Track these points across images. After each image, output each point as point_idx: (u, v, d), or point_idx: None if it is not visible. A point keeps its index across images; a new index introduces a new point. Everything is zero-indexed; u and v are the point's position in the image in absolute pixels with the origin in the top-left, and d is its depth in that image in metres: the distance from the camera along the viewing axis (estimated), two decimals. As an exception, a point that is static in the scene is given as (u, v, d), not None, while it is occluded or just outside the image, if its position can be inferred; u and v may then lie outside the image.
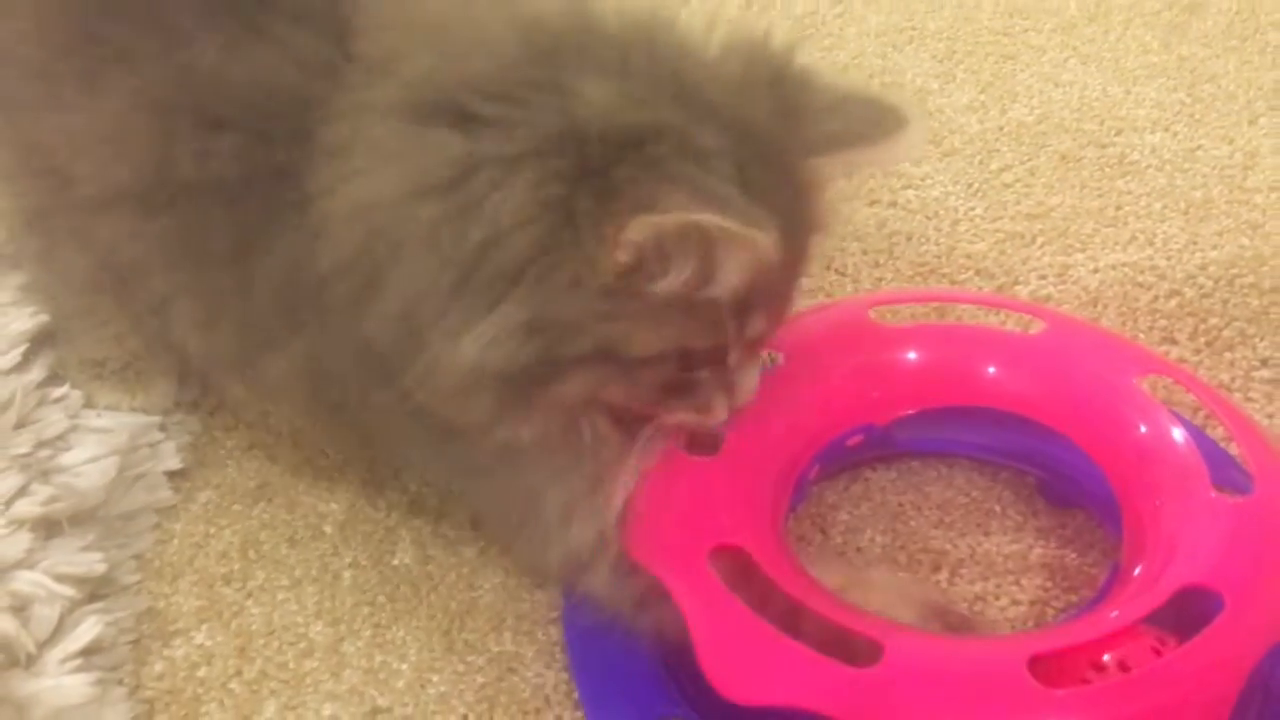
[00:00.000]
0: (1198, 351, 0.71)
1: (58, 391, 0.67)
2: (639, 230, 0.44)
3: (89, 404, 0.67)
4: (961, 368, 0.61)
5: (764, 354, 0.57)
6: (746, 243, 0.45)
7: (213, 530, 0.64)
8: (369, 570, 0.62)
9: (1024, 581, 0.60)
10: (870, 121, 0.52)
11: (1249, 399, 0.68)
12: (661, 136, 0.47)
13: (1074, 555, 0.61)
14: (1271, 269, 0.77)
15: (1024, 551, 0.62)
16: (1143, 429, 0.56)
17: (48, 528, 0.59)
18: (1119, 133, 0.91)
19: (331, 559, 0.62)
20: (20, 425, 0.64)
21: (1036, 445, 0.61)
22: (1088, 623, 0.50)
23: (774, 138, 0.50)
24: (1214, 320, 0.73)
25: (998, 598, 0.60)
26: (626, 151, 0.46)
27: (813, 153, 0.51)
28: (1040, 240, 0.81)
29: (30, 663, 0.54)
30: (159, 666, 0.57)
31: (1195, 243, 0.80)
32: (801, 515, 0.64)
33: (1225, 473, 0.52)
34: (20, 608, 0.55)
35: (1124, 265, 0.78)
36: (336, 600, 0.60)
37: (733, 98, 0.49)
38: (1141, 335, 0.73)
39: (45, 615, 0.56)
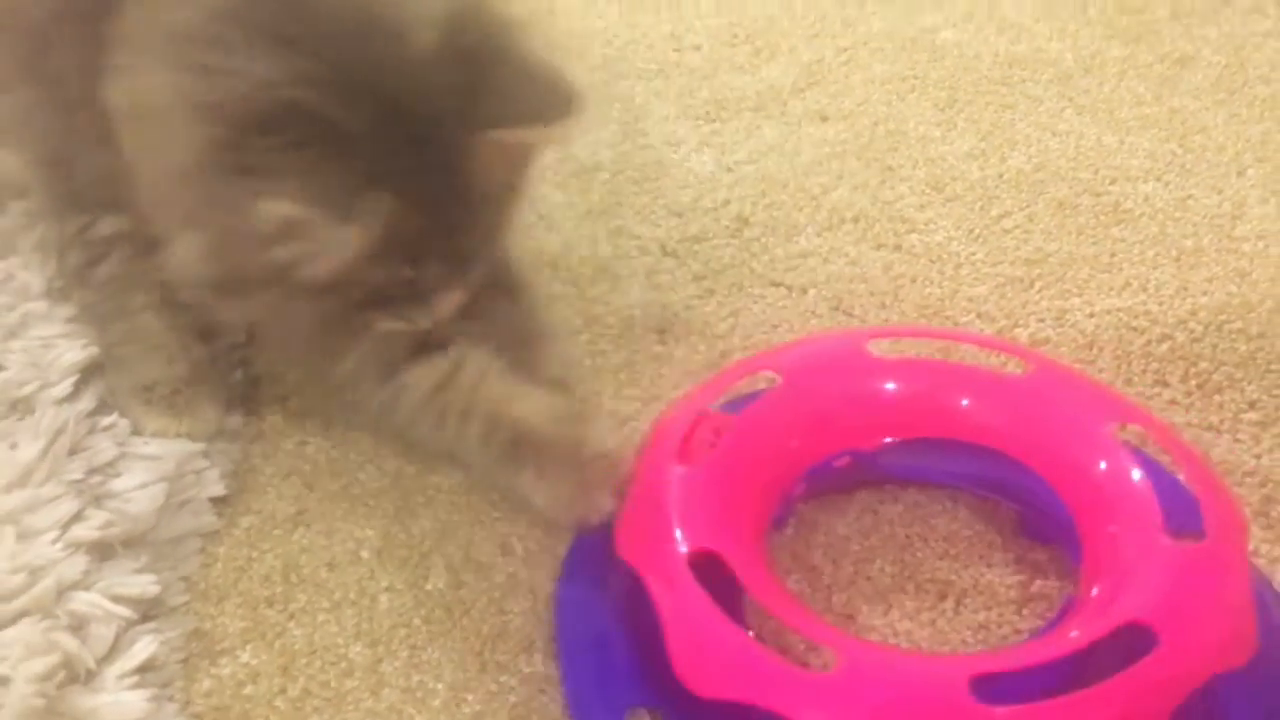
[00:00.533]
0: (1189, 394, 0.75)
1: (106, 420, 0.70)
2: (270, 208, 0.53)
3: (137, 430, 0.70)
4: (944, 401, 0.65)
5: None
6: (333, 235, 0.54)
7: (255, 554, 0.67)
8: (404, 594, 0.65)
9: (1024, 611, 0.64)
10: (545, 103, 0.58)
11: (1237, 440, 0.72)
12: (293, 123, 0.53)
13: (1043, 584, 0.65)
14: (1258, 316, 0.81)
15: (1025, 583, 0.65)
16: (1102, 468, 0.60)
17: (102, 551, 0.62)
18: (1113, 181, 0.96)
19: (369, 583, 0.65)
20: (73, 452, 0.67)
21: (1016, 480, 0.65)
22: (1028, 649, 0.56)
23: (436, 114, 0.56)
24: (1204, 364, 0.77)
25: (1000, 626, 0.63)
26: (264, 131, 0.53)
27: (485, 127, 0.57)
28: (1039, 285, 0.85)
29: (89, 679, 0.57)
30: (207, 684, 0.60)
31: (1186, 289, 0.84)
32: (814, 545, 0.67)
33: (1192, 519, 0.56)
34: (78, 627, 0.59)
35: (1118, 310, 0.82)
36: (374, 623, 0.63)
37: (405, 77, 0.56)
38: (1135, 378, 0.77)
39: (102, 634, 0.59)
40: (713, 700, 0.51)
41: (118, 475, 0.67)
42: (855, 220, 0.92)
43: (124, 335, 0.73)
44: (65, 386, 0.70)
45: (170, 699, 0.59)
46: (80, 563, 0.61)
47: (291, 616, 0.64)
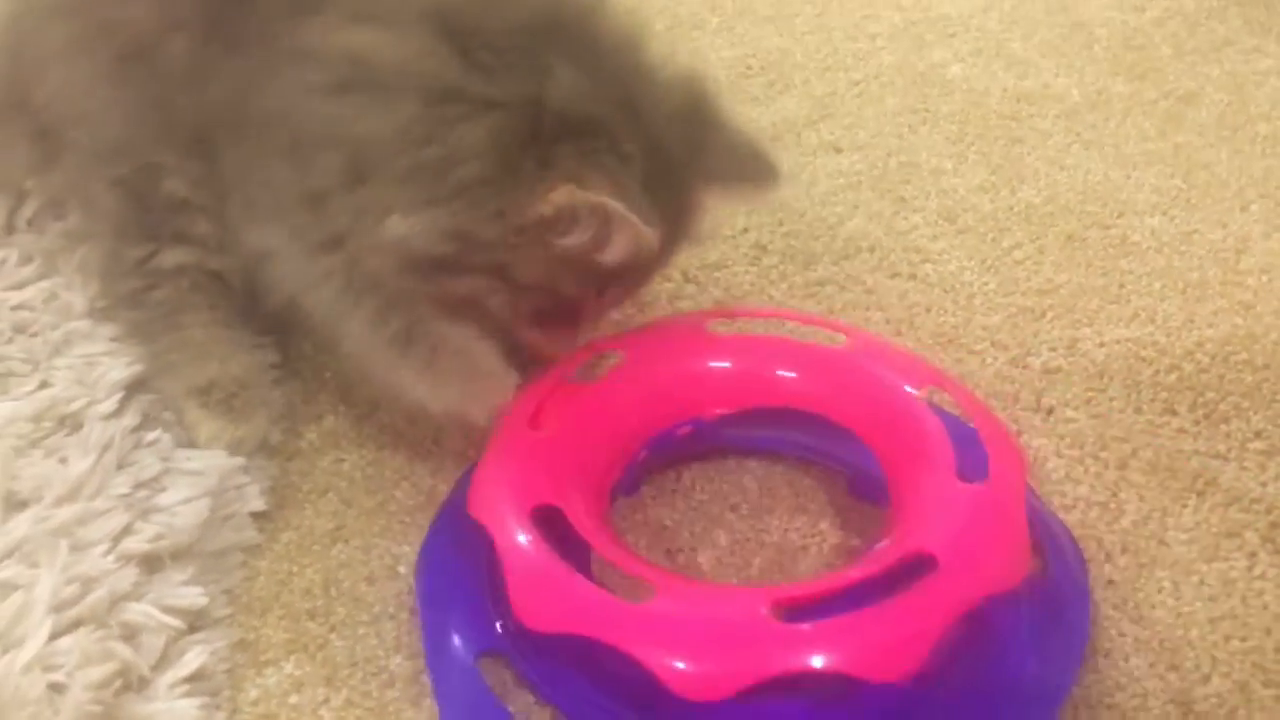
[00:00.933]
0: (1196, 423, 0.78)
1: (150, 435, 0.72)
2: (564, 196, 0.60)
3: (191, 436, 0.73)
4: (771, 373, 0.72)
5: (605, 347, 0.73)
6: (637, 232, 0.61)
7: (295, 569, 0.69)
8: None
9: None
10: (752, 170, 0.70)
11: (1244, 468, 0.74)
12: (600, 132, 0.62)
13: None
14: (1263, 347, 0.84)
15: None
16: (909, 428, 0.66)
17: (151, 563, 0.65)
18: (1120, 215, 0.98)
19: (407, 597, 0.67)
20: (120, 467, 0.69)
21: (841, 444, 0.71)
22: (825, 579, 0.64)
23: (676, 159, 0.65)
24: (1210, 394, 0.80)
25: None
26: (571, 134, 0.61)
27: (701, 179, 0.68)
28: (1050, 315, 0.88)
29: (142, 687, 0.59)
30: (254, 693, 0.62)
31: (1192, 321, 0.86)
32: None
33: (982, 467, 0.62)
34: (130, 636, 0.61)
35: (1127, 340, 0.85)
36: (413, 636, 0.65)
37: (659, 118, 0.65)
38: (1145, 406, 0.79)
39: (153, 644, 0.61)
40: (551, 640, 0.57)
41: (163, 490, 0.69)
42: (871, 250, 0.95)
43: (175, 344, 0.75)
44: (111, 403, 0.72)
45: (218, 708, 0.61)
46: (131, 574, 0.63)
47: (333, 629, 0.66)
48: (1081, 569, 0.66)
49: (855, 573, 0.57)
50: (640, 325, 0.81)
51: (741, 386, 0.71)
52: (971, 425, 0.65)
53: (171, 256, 0.74)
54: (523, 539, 0.58)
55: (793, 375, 0.71)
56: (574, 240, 0.62)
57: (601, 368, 0.72)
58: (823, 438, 0.72)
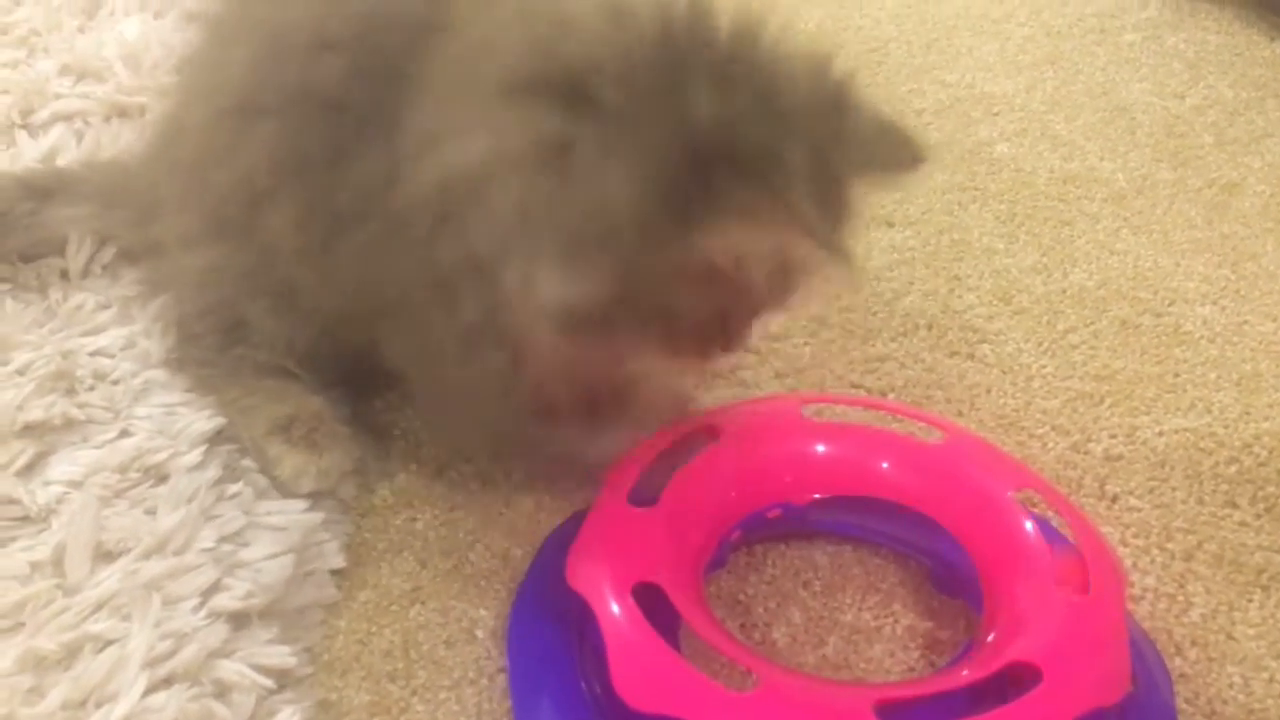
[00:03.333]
0: (1258, 516, 0.79)
1: (233, 489, 0.73)
2: (733, 236, 0.55)
3: (276, 473, 0.73)
4: (867, 463, 0.73)
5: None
6: (827, 269, 0.58)
7: (374, 629, 0.70)
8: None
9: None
10: (899, 153, 0.63)
11: (1306, 564, 0.76)
12: (761, 154, 0.55)
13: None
14: (1320, 443, 0.85)
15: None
16: (1004, 529, 0.67)
17: (239, 620, 0.65)
18: (1172, 303, 1.00)
19: (485, 663, 0.68)
20: (205, 521, 0.70)
21: (928, 537, 0.72)
22: (927, 682, 0.63)
23: (834, 158, 0.59)
24: (1271, 488, 0.81)
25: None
26: (730, 163, 0.54)
27: (855, 174, 0.61)
28: (1108, 401, 0.89)
29: (235, 748, 0.59)
30: (340, 756, 0.63)
31: (1249, 413, 0.88)
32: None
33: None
34: (220, 694, 0.61)
35: (1186, 430, 0.86)
36: (494, 703, 0.66)
37: (808, 119, 0.58)
38: (1206, 498, 0.80)
39: (244, 703, 0.61)
40: (647, 716, 0.56)
41: (246, 545, 0.69)
42: (929, 327, 0.97)
43: (247, 391, 0.77)
44: (196, 454, 0.73)
45: (307, 768, 0.61)
46: (221, 631, 0.63)
47: (414, 692, 0.66)
48: (1168, 688, 0.66)
49: (958, 678, 0.58)
50: (732, 404, 0.82)
51: (836, 473, 0.72)
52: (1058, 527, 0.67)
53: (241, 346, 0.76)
54: (627, 617, 0.59)
55: (887, 466, 0.72)
56: (751, 278, 0.59)
57: (697, 446, 0.73)
58: (908, 529, 0.72)
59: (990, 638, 0.63)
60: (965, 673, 0.59)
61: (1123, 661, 0.60)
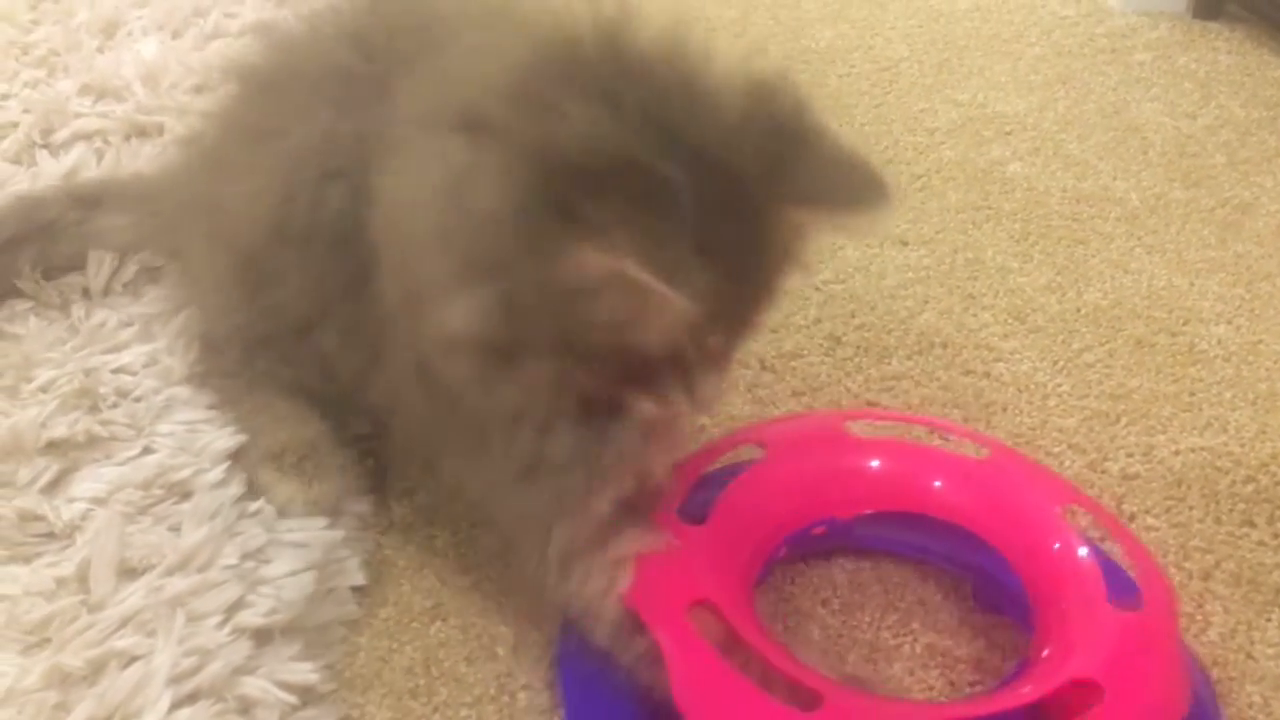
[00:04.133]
0: (1275, 535, 0.79)
1: (254, 506, 0.73)
2: (584, 260, 0.51)
3: (268, 499, 0.74)
4: (914, 480, 0.73)
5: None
6: (667, 300, 0.51)
7: (395, 646, 0.70)
8: (542, 693, 0.68)
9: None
10: (853, 189, 0.57)
11: (1324, 584, 0.76)
12: (630, 174, 0.51)
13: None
14: (1336, 463, 0.85)
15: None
16: (1056, 548, 0.67)
17: (262, 636, 0.65)
18: (1186, 322, 1.00)
19: (507, 680, 0.68)
20: (228, 538, 0.70)
21: (975, 554, 0.71)
22: (994, 699, 0.63)
23: (749, 182, 0.54)
24: (1288, 508, 0.81)
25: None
26: (595, 181, 0.51)
27: (791, 202, 0.56)
28: (1124, 420, 0.89)
29: (258, 764, 0.60)
30: (363, 772, 0.63)
31: (1265, 432, 0.88)
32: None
33: (1128, 594, 0.63)
34: (245, 710, 0.61)
35: (1202, 449, 0.86)
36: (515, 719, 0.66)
37: (721, 140, 0.54)
38: (1224, 517, 0.80)
39: (266, 718, 0.61)
40: None
41: (268, 562, 0.70)
42: (944, 346, 0.97)
43: (256, 408, 0.78)
44: (219, 472, 0.73)
45: (329, 785, 0.61)
46: (245, 648, 0.64)
47: (436, 710, 0.66)
48: (1213, 705, 0.66)
49: (1021, 695, 0.58)
50: (775, 419, 0.83)
51: (882, 490, 0.72)
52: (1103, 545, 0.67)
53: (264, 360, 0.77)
54: (686, 637, 0.59)
55: (936, 483, 0.72)
56: (604, 310, 0.53)
57: (741, 460, 0.73)
58: (952, 544, 0.72)
59: (1045, 654, 0.62)
60: (1027, 689, 0.58)
61: (1181, 680, 0.60)
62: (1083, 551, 0.66)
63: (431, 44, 0.66)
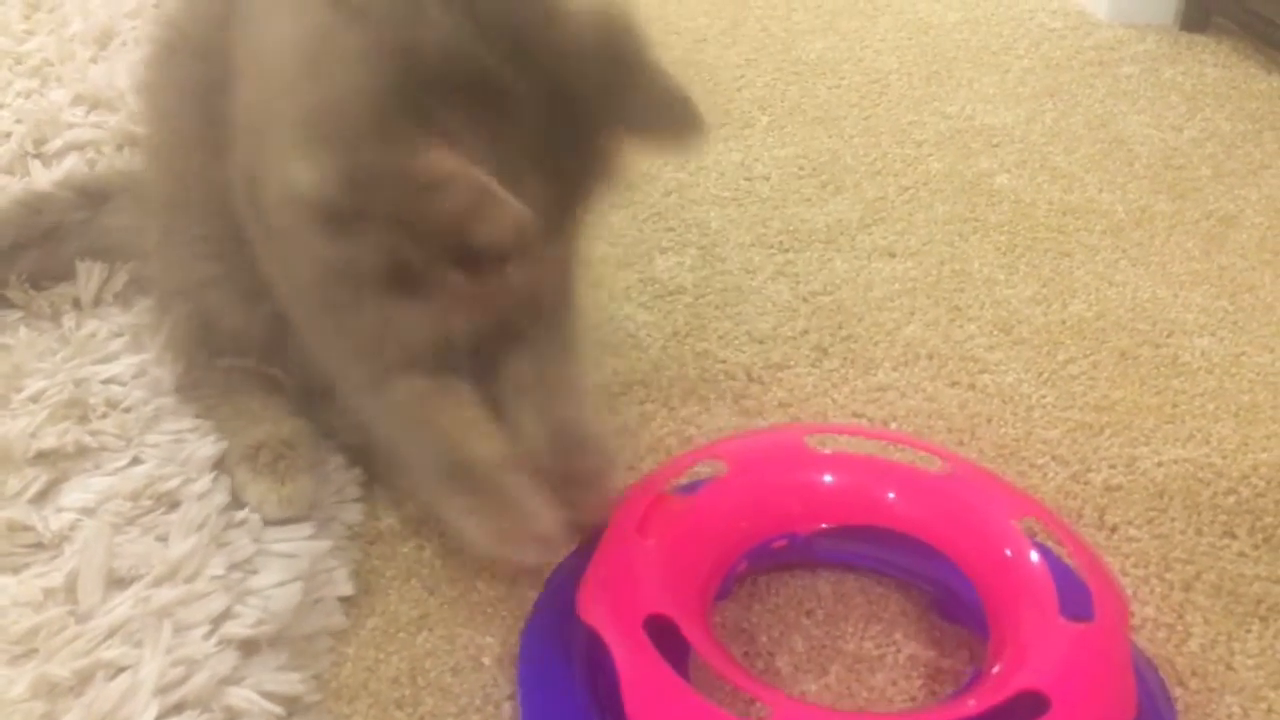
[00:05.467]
0: (1256, 547, 0.80)
1: (240, 515, 0.73)
2: (434, 158, 0.55)
3: (242, 499, 0.74)
4: (872, 493, 0.74)
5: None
6: (504, 207, 0.56)
7: (382, 656, 0.70)
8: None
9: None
10: (672, 117, 0.64)
11: (1304, 595, 0.77)
12: (482, 81, 0.57)
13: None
14: (1317, 475, 0.86)
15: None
16: (1009, 559, 0.68)
17: (249, 647, 0.66)
18: (1170, 334, 1.01)
19: (492, 690, 0.68)
20: (215, 548, 0.70)
21: (932, 566, 0.72)
22: (936, 712, 0.65)
23: (586, 104, 0.61)
24: (1269, 519, 0.82)
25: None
26: (449, 84, 0.56)
27: (616, 124, 0.63)
28: (1108, 432, 0.90)
29: (244, 774, 0.60)
30: (347, 782, 0.63)
31: (1247, 444, 0.89)
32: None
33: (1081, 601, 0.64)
34: (231, 720, 0.62)
35: (1185, 461, 0.87)
36: (500, 730, 0.67)
37: (564, 61, 0.60)
38: (1205, 528, 0.81)
39: (253, 730, 0.62)
40: None
41: (255, 572, 0.70)
42: (930, 357, 0.98)
43: (233, 412, 0.79)
44: (205, 482, 0.74)
45: (315, 796, 0.62)
46: (231, 658, 0.64)
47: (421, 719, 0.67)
48: (1171, 716, 0.67)
49: (966, 708, 0.59)
50: (737, 434, 0.84)
51: (841, 504, 0.73)
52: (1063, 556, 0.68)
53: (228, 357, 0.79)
54: (640, 650, 0.59)
55: (892, 496, 0.73)
56: (446, 209, 0.57)
57: (701, 476, 0.75)
58: (912, 558, 0.73)
59: (996, 668, 0.64)
60: (972, 702, 0.59)
61: (1128, 689, 0.61)
62: (1036, 562, 0.67)
63: None
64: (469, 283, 0.63)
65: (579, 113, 0.61)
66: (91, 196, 0.93)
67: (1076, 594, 0.64)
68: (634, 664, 0.59)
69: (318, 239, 0.61)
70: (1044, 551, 0.69)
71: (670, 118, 0.64)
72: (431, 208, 0.57)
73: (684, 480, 0.74)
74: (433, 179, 0.56)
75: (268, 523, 0.74)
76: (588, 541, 0.69)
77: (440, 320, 0.67)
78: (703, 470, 0.75)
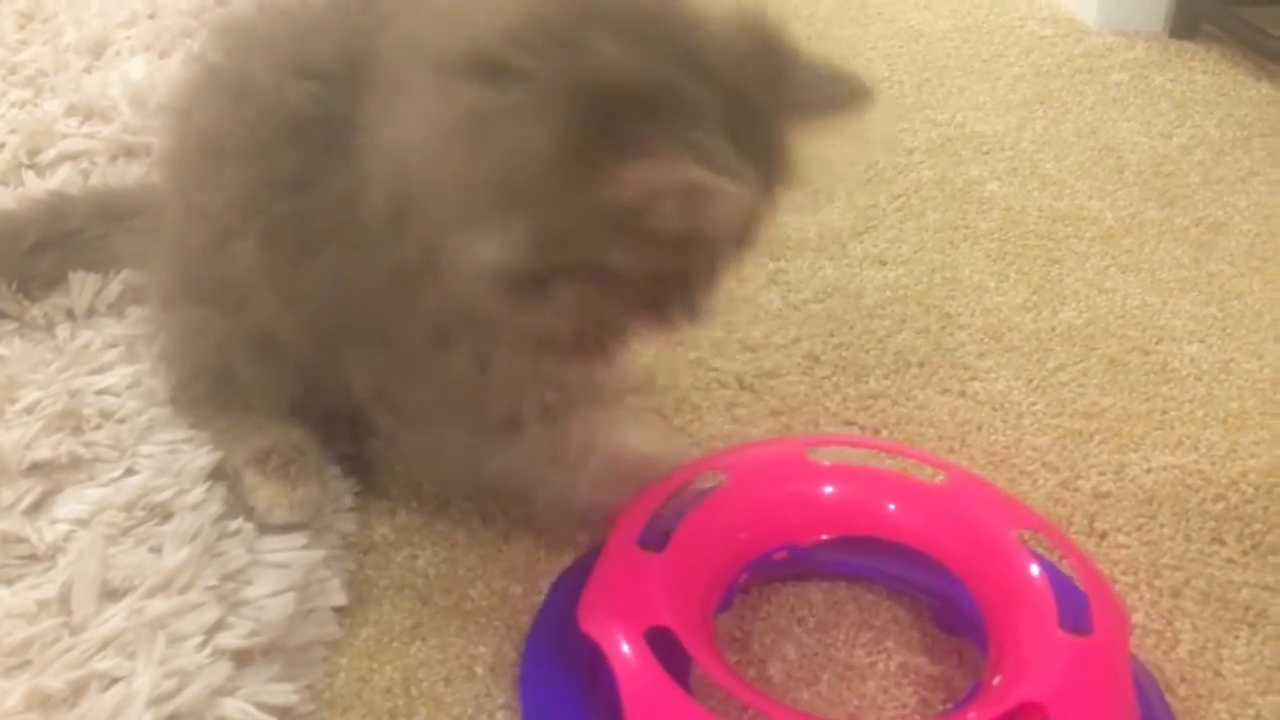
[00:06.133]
0: (1244, 553, 0.80)
1: (234, 525, 0.74)
2: (642, 173, 0.54)
3: (251, 502, 0.74)
4: (872, 505, 0.74)
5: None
6: (729, 196, 0.55)
7: (375, 666, 0.70)
8: (519, 714, 0.68)
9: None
10: (842, 94, 0.63)
11: (1292, 601, 0.77)
12: (665, 95, 0.56)
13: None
14: (1305, 481, 0.87)
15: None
16: (1009, 572, 0.68)
17: (242, 657, 0.66)
18: (1159, 341, 1.02)
19: (485, 700, 0.69)
20: (209, 558, 0.71)
21: (932, 577, 0.73)
22: None
23: (760, 100, 0.59)
24: (1257, 525, 0.82)
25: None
26: (635, 106, 0.55)
27: (792, 114, 0.62)
28: (1097, 439, 0.90)
29: (237, 785, 0.60)
30: (341, 792, 0.63)
31: (1236, 451, 0.89)
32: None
33: (1081, 614, 0.64)
34: (224, 732, 0.62)
35: (1174, 467, 0.88)
36: (494, 739, 0.67)
37: (728, 63, 0.59)
38: (1194, 535, 0.82)
39: (246, 740, 0.62)
40: None
41: (249, 583, 0.70)
42: (920, 365, 0.98)
43: (234, 420, 0.79)
44: (199, 493, 0.74)
45: (308, 806, 0.62)
46: (224, 669, 0.64)
47: (415, 730, 0.67)
48: None
49: (965, 718, 0.59)
50: (738, 446, 0.84)
51: (842, 515, 0.74)
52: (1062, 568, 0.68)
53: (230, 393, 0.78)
54: (641, 662, 0.60)
55: (893, 508, 0.73)
56: (666, 220, 0.57)
57: (703, 487, 0.74)
58: (912, 569, 0.74)
59: (996, 680, 0.63)
60: (972, 715, 0.60)
61: (1128, 703, 0.61)
62: (1036, 575, 0.67)
63: None
64: (659, 326, 0.65)
65: (756, 110, 0.59)
66: (110, 214, 0.93)
67: (1076, 607, 0.64)
68: (634, 675, 0.59)
69: (512, 309, 0.61)
70: (1044, 564, 0.69)
71: (838, 93, 0.63)
72: (652, 222, 0.57)
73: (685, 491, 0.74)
74: (641, 193, 0.55)
75: (270, 528, 0.74)
76: (588, 553, 0.69)
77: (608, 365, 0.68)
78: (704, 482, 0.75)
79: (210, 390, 0.79)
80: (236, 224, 0.70)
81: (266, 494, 0.75)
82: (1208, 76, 1.54)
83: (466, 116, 0.57)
